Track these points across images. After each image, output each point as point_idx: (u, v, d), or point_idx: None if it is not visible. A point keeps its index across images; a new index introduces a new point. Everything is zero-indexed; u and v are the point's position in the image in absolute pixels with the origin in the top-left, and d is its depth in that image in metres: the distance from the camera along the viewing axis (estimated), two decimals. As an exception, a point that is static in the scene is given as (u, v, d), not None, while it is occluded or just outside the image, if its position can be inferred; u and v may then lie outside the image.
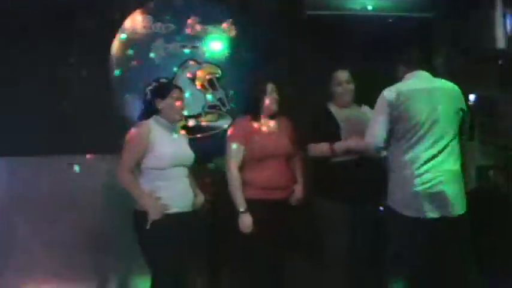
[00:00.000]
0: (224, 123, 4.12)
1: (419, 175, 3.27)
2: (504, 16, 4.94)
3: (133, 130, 3.31)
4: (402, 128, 3.30)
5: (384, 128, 3.31)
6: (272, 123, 3.67)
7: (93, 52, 4.38)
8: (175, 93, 3.42)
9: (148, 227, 3.17)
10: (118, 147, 3.40)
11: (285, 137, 3.63)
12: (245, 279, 3.59)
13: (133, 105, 4.03)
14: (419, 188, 3.25)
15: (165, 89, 3.45)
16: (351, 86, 3.73)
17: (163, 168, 3.27)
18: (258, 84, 3.70)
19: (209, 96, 4.22)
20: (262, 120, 3.64)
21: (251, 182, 3.50)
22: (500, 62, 5.16)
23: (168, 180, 3.29)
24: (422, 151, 3.28)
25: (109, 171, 4.16)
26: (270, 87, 3.64)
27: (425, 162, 3.27)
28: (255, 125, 3.61)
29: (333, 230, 3.58)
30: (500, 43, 4.90)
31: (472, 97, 4.97)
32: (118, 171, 3.26)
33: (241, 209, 3.45)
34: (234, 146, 3.53)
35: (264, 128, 3.62)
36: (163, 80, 3.74)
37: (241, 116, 3.73)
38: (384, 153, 3.45)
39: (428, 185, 3.26)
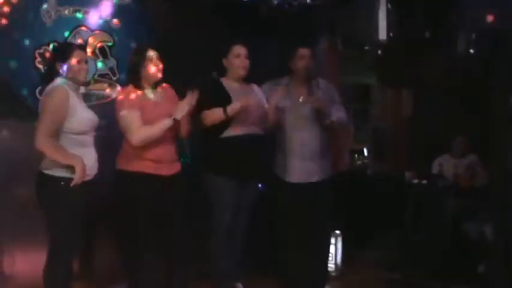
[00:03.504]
0: (113, 93, 4.14)
1: None
2: (387, 8, 5.24)
3: (51, 93, 3.20)
4: None
5: None
6: (156, 92, 3.52)
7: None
8: (78, 55, 3.33)
9: (70, 187, 3.07)
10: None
11: (171, 107, 3.46)
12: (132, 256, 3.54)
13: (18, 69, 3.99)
14: None
15: (68, 50, 3.35)
16: (247, 62, 3.75)
17: (84, 133, 3.21)
18: (139, 51, 3.53)
19: (100, 64, 4.21)
20: (146, 90, 3.48)
21: (139, 154, 3.38)
22: (379, 51, 5.55)
23: (87, 147, 3.23)
24: None
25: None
26: (153, 54, 3.48)
27: None
28: (140, 94, 3.43)
29: (221, 205, 3.63)
30: (382, 34, 5.21)
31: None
32: (37, 136, 3.07)
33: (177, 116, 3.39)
34: (129, 113, 3.37)
35: (150, 98, 3.47)
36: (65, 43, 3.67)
37: (125, 87, 3.57)
38: None
39: None
